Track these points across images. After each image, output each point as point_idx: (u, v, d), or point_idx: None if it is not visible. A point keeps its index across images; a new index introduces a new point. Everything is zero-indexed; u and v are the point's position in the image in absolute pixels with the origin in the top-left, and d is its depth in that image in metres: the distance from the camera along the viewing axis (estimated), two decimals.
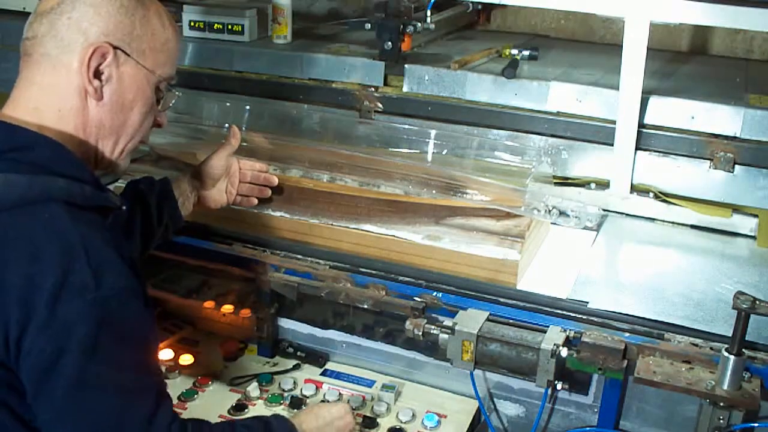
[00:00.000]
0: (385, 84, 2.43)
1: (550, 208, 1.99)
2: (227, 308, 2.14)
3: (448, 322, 1.77)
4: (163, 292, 2.18)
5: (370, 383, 2.02)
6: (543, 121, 2.26)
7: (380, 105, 2.40)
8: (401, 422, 1.88)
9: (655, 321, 1.74)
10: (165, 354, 2.09)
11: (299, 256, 2.01)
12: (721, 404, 1.60)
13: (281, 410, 1.91)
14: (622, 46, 2.06)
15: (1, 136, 1.34)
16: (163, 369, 2.00)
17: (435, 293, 1.86)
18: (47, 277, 1.22)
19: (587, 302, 1.80)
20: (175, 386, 1.97)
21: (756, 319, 1.55)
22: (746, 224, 2.16)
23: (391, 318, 1.91)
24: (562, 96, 2.26)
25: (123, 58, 1.41)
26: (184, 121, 2.37)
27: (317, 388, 1.99)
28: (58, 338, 1.22)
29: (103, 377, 1.26)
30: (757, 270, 1.99)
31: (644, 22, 2.01)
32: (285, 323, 2.12)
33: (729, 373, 1.57)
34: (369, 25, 2.42)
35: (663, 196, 2.19)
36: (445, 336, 1.76)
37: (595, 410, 1.85)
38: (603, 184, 2.24)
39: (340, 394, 1.96)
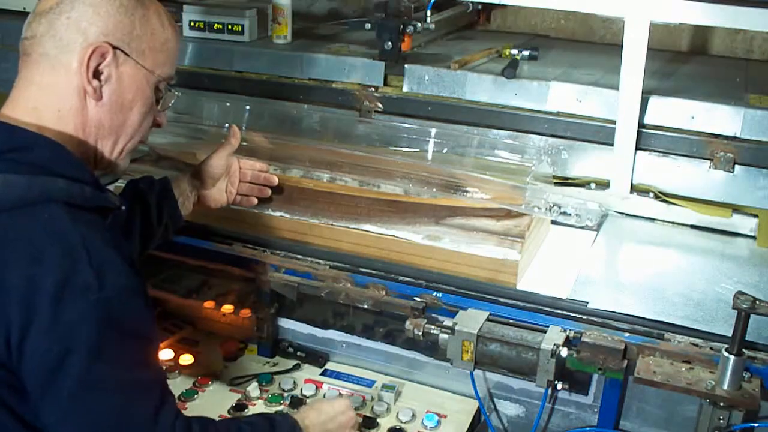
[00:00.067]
0: (385, 84, 2.43)
1: (551, 206, 1.99)
2: (227, 308, 2.14)
3: (448, 322, 1.77)
4: (163, 292, 2.18)
5: (370, 383, 2.02)
6: (543, 121, 2.26)
7: (380, 105, 2.40)
8: (401, 422, 1.88)
9: (655, 321, 1.74)
10: (165, 354, 2.09)
11: (299, 256, 2.01)
12: (721, 404, 1.60)
13: (281, 410, 1.90)
14: (622, 46, 2.06)
15: (1, 136, 1.34)
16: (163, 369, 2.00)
17: (435, 293, 1.86)
18: (48, 278, 1.22)
19: (587, 302, 1.80)
20: (175, 386, 1.97)
21: (756, 319, 1.55)
22: (746, 224, 2.16)
23: (391, 318, 1.91)
24: (562, 96, 2.26)
25: (122, 58, 1.41)
26: (183, 120, 2.38)
27: (317, 388, 1.99)
28: (62, 339, 1.22)
29: (108, 377, 1.26)
30: (757, 270, 1.99)
31: (644, 22, 2.01)
32: (285, 323, 2.12)
33: (729, 373, 1.57)
34: (369, 25, 2.42)
35: (663, 196, 2.19)
36: (445, 336, 1.76)
37: (595, 410, 1.85)
38: (603, 184, 2.24)
39: (340, 394, 1.96)
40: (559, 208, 2.00)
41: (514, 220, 2.00)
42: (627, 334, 1.71)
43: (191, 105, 2.48)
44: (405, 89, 2.40)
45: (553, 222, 2.19)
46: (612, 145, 2.17)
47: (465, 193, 2.02)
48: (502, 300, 1.84)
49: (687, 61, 2.79)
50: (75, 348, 1.22)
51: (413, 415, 1.89)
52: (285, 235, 2.10)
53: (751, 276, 1.96)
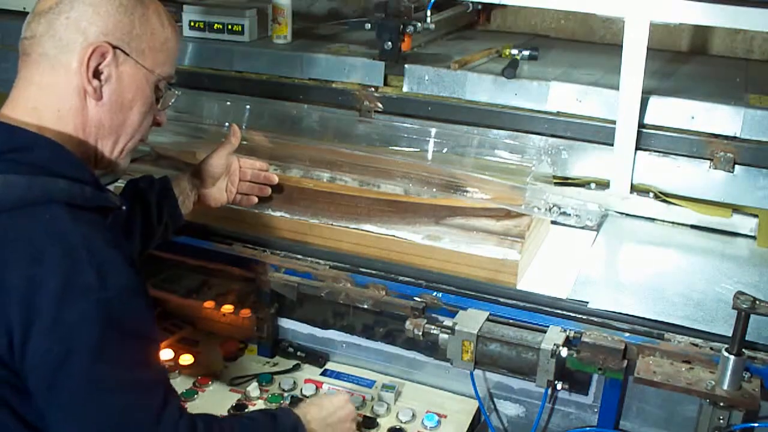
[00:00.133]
0: (385, 84, 2.43)
1: (551, 206, 1.99)
2: (227, 308, 2.14)
3: (448, 322, 1.77)
4: (163, 292, 2.18)
5: (370, 383, 2.02)
6: (543, 121, 2.26)
7: (380, 105, 2.40)
8: (401, 422, 1.88)
9: (655, 321, 1.74)
10: (165, 354, 2.08)
11: (299, 256, 2.01)
12: (721, 404, 1.60)
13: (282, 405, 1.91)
14: (622, 46, 2.06)
15: (1, 136, 1.34)
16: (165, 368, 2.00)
17: (435, 293, 1.86)
18: (49, 278, 1.22)
19: (587, 302, 1.80)
20: (175, 386, 1.91)
21: (756, 319, 1.55)
22: (746, 224, 2.16)
23: (391, 318, 1.91)
24: (562, 96, 2.26)
25: (122, 57, 1.41)
26: (183, 119, 2.38)
27: (317, 388, 1.99)
28: (65, 340, 1.22)
29: (111, 376, 1.26)
30: (757, 270, 1.99)
31: (644, 22, 2.01)
32: (285, 323, 2.12)
33: (729, 373, 1.57)
34: (369, 25, 2.42)
35: (663, 196, 2.19)
36: (445, 336, 1.76)
37: (595, 410, 1.85)
38: (603, 184, 2.24)
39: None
40: (559, 208, 2.00)
41: (514, 220, 2.00)
42: (627, 334, 1.71)
43: (191, 105, 2.48)
44: (405, 89, 2.40)
45: (553, 222, 2.19)
46: (612, 145, 2.17)
47: (465, 193, 2.02)
48: (502, 300, 1.84)
49: (687, 61, 2.79)
50: (77, 348, 1.23)
51: (413, 415, 1.89)
52: (285, 235, 2.10)
53: (751, 276, 1.96)
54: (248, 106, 2.46)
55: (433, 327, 1.78)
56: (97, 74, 1.39)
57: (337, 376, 2.05)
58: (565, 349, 1.67)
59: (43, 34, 1.38)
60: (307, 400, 1.83)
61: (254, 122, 2.44)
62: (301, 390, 1.98)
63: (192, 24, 2.66)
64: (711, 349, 1.66)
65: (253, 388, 1.96)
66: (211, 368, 2.08)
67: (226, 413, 1.90)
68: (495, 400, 1.96)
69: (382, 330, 1.97)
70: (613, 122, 2.16)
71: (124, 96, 1.44)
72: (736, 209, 2.15)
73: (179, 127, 2.34)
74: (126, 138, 1.48)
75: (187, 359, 2.09)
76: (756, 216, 2.14)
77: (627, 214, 2.25)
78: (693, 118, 2.14)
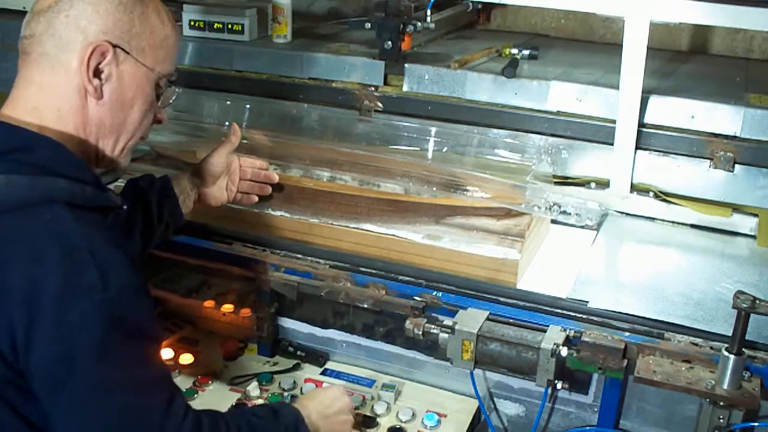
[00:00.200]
0: (385, 83, 2.43)
1: (551, 205, 1.99)
2: (227, 308, 2.14)
3: (448, 321, 1.77)
4: (163, 292, 2.18)
5: (370, 383, 2.02)
6: (543, 120, 2.26)
7: (380, 104, 2.40)
8: (401, 422, 1.88)
9: (655, 320, 1.74)
10: (165, 353, 2.08)
11: (299, 256, 2.01)
12: (721, 404, 1.60)
13: (281, 399, 1.92)
14: (622, 45, 2.06)
15: (2, 136, 1.34)
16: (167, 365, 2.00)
17: (435, 293, 1.86)
18: (51, 279, 1.22)
19: (587, 302, 1.80)
20: None
21: (756, 318, 1.55)
22: (746, 224, 2.16)
23: (391, 317, 1.91)
24: (562, 95, 2.25)
25: (122, 56, 1.41)
26: (183, 119, 2.38)
27: (317, 387, 1.99)
28: (68, 341, 1.22)
29: (116, 376, 1.26)
30: (757, 269, 1.99)
31: (644, 21, 2.01)
32: (285, 323, 2.12)
33: (729, 372, 1.57)
34: (369, 24, 2.42)
35: (663, 196, 2.19)
36: (445, 335, 1.76)
37: (595, 410, 1.85)
38: (603, 184, 2.24)
39: None
40: (559, 207, 2.00)
41: (514, 219, 2.00)
42: (627, 334, 1.71)
43: (191, 104, 2.48)
44: (405, 89, 2.40)
45: (553, 221, 2.19)
46: (612, 144, 2.17)
47: (465, 192, 2.02)
48: (502, 299, 1.84)
49: (687, 60, 2.79)
50: (80, 349, 1.23)
51: (413, 415, 1.89)
52: (285, 234, 2.10)
53: (751, 275, 1.96)
54: (248, 106, 2.46)
55: (433, 326, 1.78)
56: (97, 73, 1.39)
57: (337, 375, 2.05)
58: (565, 348, 1.67)
59: (43, 33, 1.38)
60: (305, 395, 1.85)
61: (254, 121, 2.44)
62: (301, 389, 1.98)
63: (192, 23, 2.66)
64: (711, 348, 1.66)
65: (253, 388, 1.96)
66: (211, 368, 2.08)
67: None
68: (495, 399, 1.96)
69: (382, 329, 1.97)
70: (613, 121, 2.16)
71: (125, 95, 1.43)
72: (736, 209, 2.15)
73: (179, 126, 2.34)
74: (127, 136, 1.48)
75: (187, 359, 2.09)
76: (756, 215, 2.14)
77: (627, 214, 2.25)
78: (693, 117, 2.14)
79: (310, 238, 2.08)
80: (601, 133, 2.20)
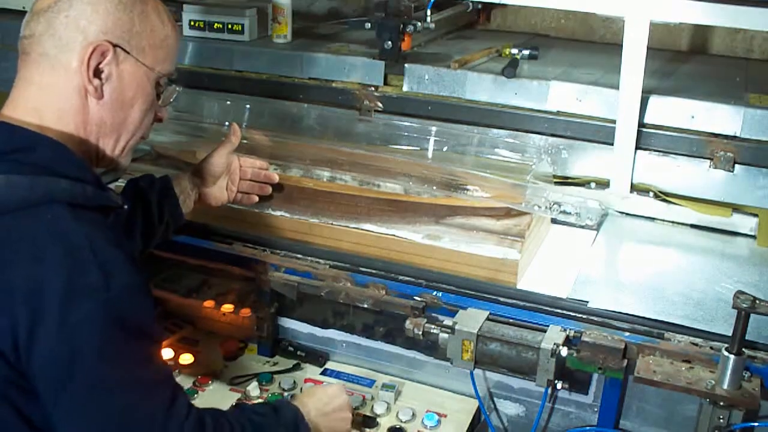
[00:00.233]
0: (385, 83, 2.42)
1: (551, 204, 1.99)
2: (227, 307, 2.14)
3: (448, 321, 1.77)
4: (163, 292, 2.18)
5: (370, 383, 2.02)
6: (543, 120, 2.26)
7: (380, 104, 2.39)
8: (401, 422, 1.88)
9: (655, 320, 1.74)
10: (165, 353, 2.08)
11: (299, 256, 2.01)
12: (721, 404, 1.61)
13: (280, 396, 1.93)
14: (622, 45, 2.06)
15: (3, 137, 1.34)
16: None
17: (435, 292, 1.86)
18: (53, 279, 1.22)
19: (587, 302, 1.80)
20: None
21: (756, 318, 1.55)
22: (746, 224, 2.16)
23: (391, 317, 1.91)
24: (562, 95, 2.25)
25: (123, 56, 1.41)
26: (183, 119, 2.38)
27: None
28: (71, 341, 1.22)
29: (119, 375, 1.26)
30: (757, 269, 1.99)
31: (644, 21, 2.01)
32: (285, 322, 2.12)
33: (729, 372, 1.57)
34: (369, 24, 2.42)
35: (663, 196, 2.19)
36: (445, 335, 1.76)
37: (595, 410, 1.85)
38: (603, 184, 2.24)
39: None
40: (560, 206, 2.00)
41: (514, 219, 2.00)
42: (627, 334, 1.71)
43: (191, 104, 2.48)
44: (405, 89, 2.40)
45: (553, 221, 2.19)
46: (612, 144, 2.17)
47: (465, 192, 2.02)
48: (502, 299, 1.84)
49: (687, 60, 2.79)
50: (83, 349, 1.23)
51: (413, 415, 1.89)
52: (285, 234, 2.10)
53: (751, 275, 1.96)
54: (248, 106, 2.46)
55: (433, 326, 1.78)
56: (97, 73, 1.39)
57: (337, 375, 2.05)
58: (565, 348, 1.67)
59: (43, 33, 1.37)
60: (304, 392, 1.85)
61: (254, 121, 2.44)
62: (301, 389, 1.98)
63: (192, 23, 2.65)
64: (711, 348, 1.66)
65: (253, 388, 1.96)
66: (211, 368, 2.08)
67: None
68: (495, 399, 1.96)
69: (382, 329, 1.97)
70: (613, 121, 2.16)
71: (125, 94, 1.43)
72: (736, 208, 2.15)
73: (179, 126, 2.34)
74: (128, 136, 1.48)
75: (187, 359, 2.09)
76: (756, 215, 2.14)
77: (627, 214, 2.25)
78: (693, 117, 2.14)
79: (310, 238, 2.08)
80: (601, 133, 2.20)
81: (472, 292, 1.86)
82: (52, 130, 1.37)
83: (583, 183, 2.25)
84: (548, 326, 1.74)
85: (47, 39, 1.37)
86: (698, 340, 1.68)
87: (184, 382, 2.01)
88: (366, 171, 2.13)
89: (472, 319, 1.77)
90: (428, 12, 2.39)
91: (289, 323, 2.11)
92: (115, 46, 1.39)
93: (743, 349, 1.57)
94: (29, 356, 1.22)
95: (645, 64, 2.05)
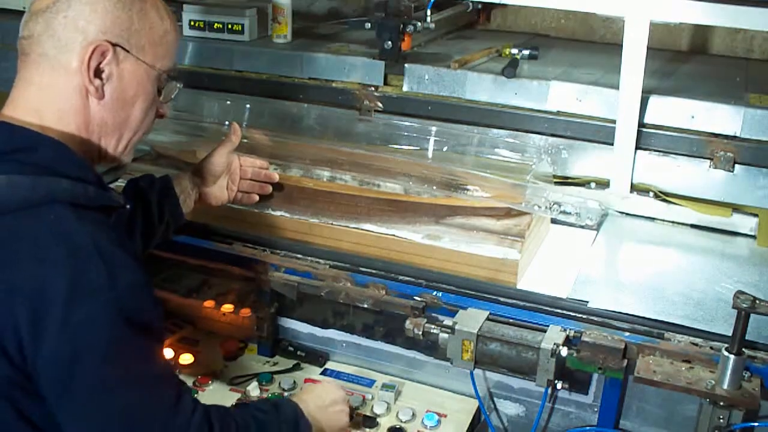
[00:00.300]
0: (385, 83, 2.42)
1: (551, 204, 1.99)
2: (227, 307, 2.14)
3: (448, 321, 1.77)
4: (163, 292, 2.17)
5: (370, 383, 2.02)
6: (543, 120, 2.26)
7: (380, 104, 2.39)
8: (401, 421, 1.88)
9: (655, 320, 1.74)
10: (165, 353, 2.08)
11: (299, 256, 2.01)
12: (721, 404, 1.60)
13: (278, 395, 1.93)
14: (622, 45, 2.06)
15: (4, 137, 1.34)
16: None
17: (435, 292, 1.86)
18: (56, 279, 1.22)
19: (587, 302, 1.80)
20: None
21: (756, 318, 1.55)
22: (746, 224, 2.16)
23: (391, 317, 1.91)
24: (562, 95, 2.25)
25: (122, 54, 1.40)
26: (183, 119, 2.38)
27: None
28: (77, 341, 1.22)
29: (125, 374, 1.26)
30: (757, 269, 1.99)
31: (644, 21, 2.01)
32: (285, 322, 2.12)
33: (729, 372, 1.57)
34: (369, 24, 2.42)
35: (663, 196, 2.19)
36: (445, 335, 1.76)
37: (595, 410, 1.85)
38: (603, 184, 2.24)
39: None
40: (560, 206, 2.00)
41: (514, 219, 2.00)
42: (627, 334, 1.71)
43: (191, 104, 2.48)
44: (405, 89, 2.40)
45: (553, 221, 2.19)
46: (612, 144, 2.17)
47: (465, 192, 2.02)
48: (502, 299, 1.84)
49: (687, 60, 2.79)
50: (88, 348, 1.23)
51: (413, 415, 1.89)
52: (285, 234, 2.10)
53: (751, 275, 1.96)
54: (248, 106, 2.46)
55: (433, 326, 1.78)
56: (98, 73, 1.38)
57: (337, 375, 2.05)
58: (565, 348, 1.67)
59: (42, 34, 1.37)
60: (302, 390, 1.87)
61: (254, 121, 2.44)
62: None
63: (192, 23, 2.65)
64: (711, 348, 1.66)
65: (253, 388, 1.96)
66: (211, 368, 2.08)
67: None
68: (495, 399, 1.96)
69: (382, 329, 1.97)
70: (613, 122, 2.16)
71: (126, 93, 1.43)
72: (736, 208, 2.15)
73: (179, 126, 2.34)
74: (130, 134, 1.48)
75: (187, 359, 2.09)
76: (756, 215, 2.14)
77: (627, 214, 2.25)
78: (693, 117, 2.14)
79: (310, 238, 2.08)
80: (601, 133, 2.20)
81: (472, 292, 1.86)
82: (53, 130, 1.36)
83: (583, 183, 2.25)
84: (548, 326, 1.74)
85: (46, 39, 1.37)
86: (698, 340, 1.68)
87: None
88: (366, 171, 2.13)
89: (472, 319, 1.77)
90: (428, 12, 2.39)
91: (289, 323, 2.11)
92: (114, 45, 1.39)
93: (743, 349, 1.57)
94: (34, 357, 1.22)
95: (645, 64, 2.05)
